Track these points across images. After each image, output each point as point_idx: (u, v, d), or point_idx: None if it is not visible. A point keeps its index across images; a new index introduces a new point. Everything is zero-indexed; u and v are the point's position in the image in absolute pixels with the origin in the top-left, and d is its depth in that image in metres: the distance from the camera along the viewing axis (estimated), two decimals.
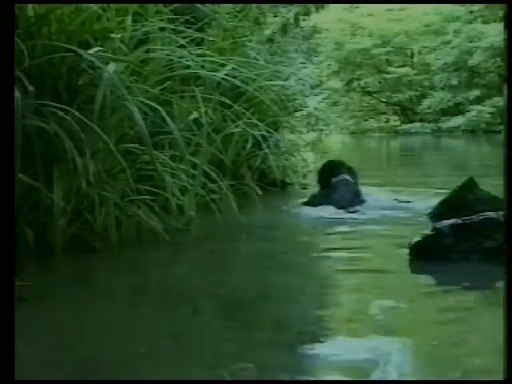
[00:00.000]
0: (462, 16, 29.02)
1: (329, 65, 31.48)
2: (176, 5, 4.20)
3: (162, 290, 2.55)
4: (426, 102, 28.84)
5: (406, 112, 30.45)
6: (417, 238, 2.84)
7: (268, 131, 4.70)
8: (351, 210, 4.15)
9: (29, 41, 3.03)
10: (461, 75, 28.11)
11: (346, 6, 30.31)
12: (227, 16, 5.58)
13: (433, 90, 29.15)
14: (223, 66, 4.19)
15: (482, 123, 25.73)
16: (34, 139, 2.99)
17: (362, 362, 1.66)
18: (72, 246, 3.06)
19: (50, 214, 3.03)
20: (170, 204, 3.34)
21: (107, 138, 3.07)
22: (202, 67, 3.96)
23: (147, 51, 3.67)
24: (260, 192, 4.39)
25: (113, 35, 3.40)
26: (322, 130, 9.21)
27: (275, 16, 7.76)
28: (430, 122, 28.27)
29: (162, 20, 3.88)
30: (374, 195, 4.68)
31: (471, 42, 27.54)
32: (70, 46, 3.13)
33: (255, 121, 4.53)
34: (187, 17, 4.33)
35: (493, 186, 3.81)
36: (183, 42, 3.92)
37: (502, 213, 2.75)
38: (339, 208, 4.17)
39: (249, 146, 4.84)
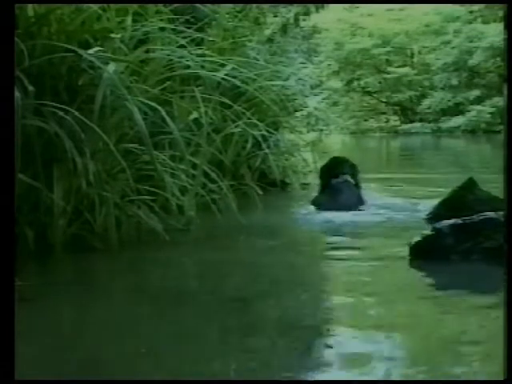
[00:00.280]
0: (462, 16, 29.04)
1: (329, 65, 31.51)
2: (176, 5, 4.20)
3: (161, 290, 2.55)
4: (425, 102, 28.86)
5: (406, 112, 30.48)
6: (417, 238, 2.84)
7: (268, 131, 4.70)
8: (355, 212, 4.12)
9: (29, 41, 3.03)
10: (461, 75, 28.14)
11: (346, 6, 30.34)
12: (227, 16, 5.58)
13: (433, 90, 29.18)
14: (223, 66, 4.19)
15: (482, 123, 25.76)
16: (34, 139, 2.99)
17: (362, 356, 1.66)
18: (72, 245, 3.06)
19: (50, 214, 3.03)
20: (170, 204, 3.34)
21: (107, 138, 3.07)
22: (202, 67, 3.96)
23: (147, 51, 3.67)
24: (260, 192, 4.39)
25: (113, 35, 3.40)
26: (322, 130, 9.20)
27: (275, 16, 7.76)
28: (430, 122, 28.30)
29: (161, 20, 3.88)
30: (375, 196, 4.67)
31: (471, 42, 27.57)
32: (69, 46, 3.13)
33: (255, 121, 4.53)
34: (187, 17, 4.33)
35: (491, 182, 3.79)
36: (183, 41, 3.92)
37: (501, 213, 2.75)
38: (343, 210, 4.13)
39: (249, 146, 4.84)
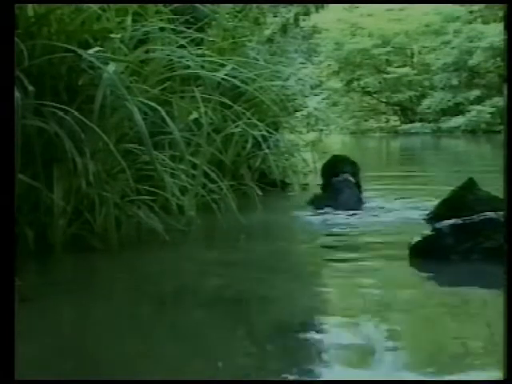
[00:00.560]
0: (462, 16, 29.07)
1: (329, 65, 31.55)
2: (176, 5, 4.21)
3: (161, 289, 2.55)
4: (425, 102, 28.88)
5: (406, 112, 30.50)
6: (417, 238, 2.84)
7: (268, 131, 4.70)
8: (355, 212, 4.13)
9: (29, 41, 3.04)
10: (461, 75, 28.16)
11: (346, 6, 30.38)
12: (227, 16, 5.58)
13: (433, 90, 29.20)
14: (223, 66, 4.19)
15: (482, 123, 25.78)
16: (34, 139, 2.99)
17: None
18: (72, 245, 3.06)
19: (50, 214, 3.03)
20: (170, 204, 3.34)
21: (107, 138, 3.07)
22: (202, 67, 3.96)
23: (147, 51, 3.67)
24: (260, 192, 4.39)
25: (113, 35, 3.40)
26: (322, 130, 9.21)
27: (275, 16, 7.77)
28: (430, 122, 28.32)
29: (161, 20, 3.88)
30: (376, 195, 4.68)
31: (471, 42, 27.59)
32: (69, 46, 3.13)
33: (255, 121, 4.53)
34: (187, 17, 4.33)
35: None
36: (183, 42, 3.92)
37: (501, 213, 2.75)
38: (343, 210, 4.13)
39: (249, 146, 4.84)
